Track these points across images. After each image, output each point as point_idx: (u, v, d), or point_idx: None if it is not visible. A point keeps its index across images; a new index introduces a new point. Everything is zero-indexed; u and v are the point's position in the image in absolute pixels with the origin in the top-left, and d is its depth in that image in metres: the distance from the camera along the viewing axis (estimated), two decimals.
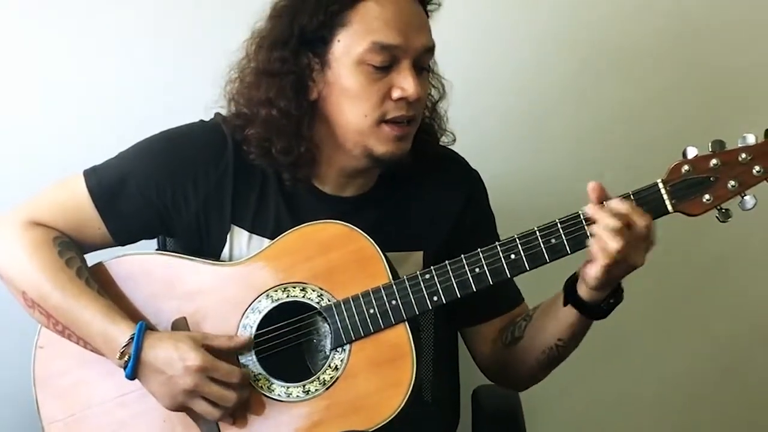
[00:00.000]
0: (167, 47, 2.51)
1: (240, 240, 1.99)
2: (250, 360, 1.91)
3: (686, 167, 1.83)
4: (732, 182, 1.82)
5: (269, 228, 1.98)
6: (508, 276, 1.87)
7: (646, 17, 2.63)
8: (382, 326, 1.88)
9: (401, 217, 2.03)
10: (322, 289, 1.91)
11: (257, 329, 1.92)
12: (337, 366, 1.89)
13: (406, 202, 2.04)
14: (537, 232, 1.85)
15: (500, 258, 1.86)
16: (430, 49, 1.95)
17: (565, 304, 1.90)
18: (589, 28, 2.62)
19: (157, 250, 2.13)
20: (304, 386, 1.90)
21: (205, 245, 1.99)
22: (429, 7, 1.98)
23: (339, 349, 1.90)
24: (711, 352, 2.81)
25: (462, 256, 1.88)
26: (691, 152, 1.83)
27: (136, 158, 2.00)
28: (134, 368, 1.87)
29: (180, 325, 1.93)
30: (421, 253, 2.03)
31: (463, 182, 2.09)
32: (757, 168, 1.82)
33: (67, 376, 1.96)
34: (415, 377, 1.87)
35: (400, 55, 1.90)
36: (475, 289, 1.88)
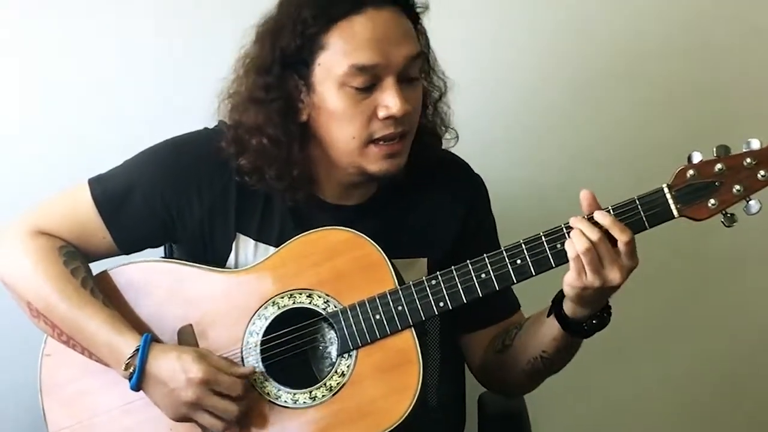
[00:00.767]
0: (168, 47, 2.51)
1: (246, 248, 1.99)
2: (256, 367, 1.91)
3: (691, 172, 1.83)
4: (737, 187, 1.82)
5: (274, 236, 1.99)
6: (515, 281, 1.88)
7: (652, 19, 2.63)
8: (389, 332, 1.89)
9: (405, 224, 2.03)
10: (328, 295, 1.91)
11: (263, 336, 1.92)
12: (343, 372, 1.89)
13: (410, 209, 2.04)
14: (543, 237, 1.85)
15: (506, 263, 1.87)
16: (415, 57, 1.92)
17: (548, 315, 1.91)
18: (595, 30, 2.62)
19: (162, 257, 2.13)
20: (310, 392, 1.90)
21: (210, 253, 1.99)
22: (417, 9, 1.95)
23: (345, 355, 1.90)
24: (719, 357, 2.80)
25: (468, 261, 1.88)
26: (696, 157, 1.84)
27: (141, 167, 2.00)
28: (139, 380, 1.87)
29: (186, 332, 1.93)
30: (426, 259, 2.03)
31: (466, 187, 2.09)
32: (762, 172, 1.82)
33: (74, 384, 1.96)
34: (422, 383, 1.87)
35: (381, 73, 1.88)
36: (480, 295, 1.88)
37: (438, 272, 1.89)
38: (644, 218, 1.83)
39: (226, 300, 1.94)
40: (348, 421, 1.88)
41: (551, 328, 1.92)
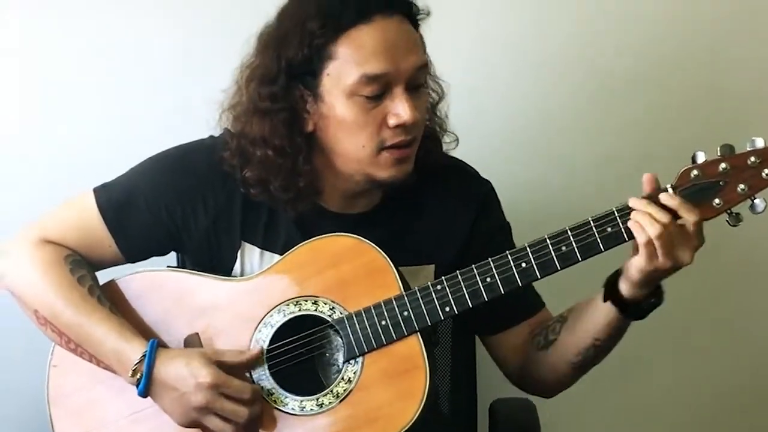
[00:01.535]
0: (169, 48, 2.51)
1: (251, 256, 1.99)
2: (263, 374, 1.91)
3: (695, 172, 1.83)
4: (742, 186, 1.81)
5: (280, 244, 1.99)
6: (519, 285, 1.87)
7: (657, 20, 2.62)
8: (395, 338, 1.88)
9: (410, 231, 2.02)
10: (333, 301, 1.91)
11: (270, 343, 1.92)
12: (350, 378, 1.89)
13: (415, 216, 2.03)
14: (547, 240, 1.85)
15: (511, 267, 1.86)
16: (422, 66, 1.92)
17: (604, 300, 1.89)
18: (597, 31, 2.62)
19: (169, 266, 2.14)
20: (317, 399, 1.90)
21: (216, 262, 2.00)
22: (419, 18, 1.95)
23: (352, 362, 1.89)
24: (736, 368, 2.78)
25: (473, 266, 1.88)
26: (700, 157, 1.83)
27: (146, 176, 2.00)
28: (146, 386, 1.87)
29: (192, 341, 1.94)
30: (433, 266, 2.02)
31: (474, 194, 2.08)
32: (766, 171, 1.81)
33: (81, 393, 1.96)
34: (430, 388, 1.86)
35: (391, 82, 1.88)
36: (486, 299, 1.87)
37: (443, 277, 1.89)
38: None
39: (232, 308, 1.94)
40: (355, 427, 1.88)
41: (606, 313, 1.89)
